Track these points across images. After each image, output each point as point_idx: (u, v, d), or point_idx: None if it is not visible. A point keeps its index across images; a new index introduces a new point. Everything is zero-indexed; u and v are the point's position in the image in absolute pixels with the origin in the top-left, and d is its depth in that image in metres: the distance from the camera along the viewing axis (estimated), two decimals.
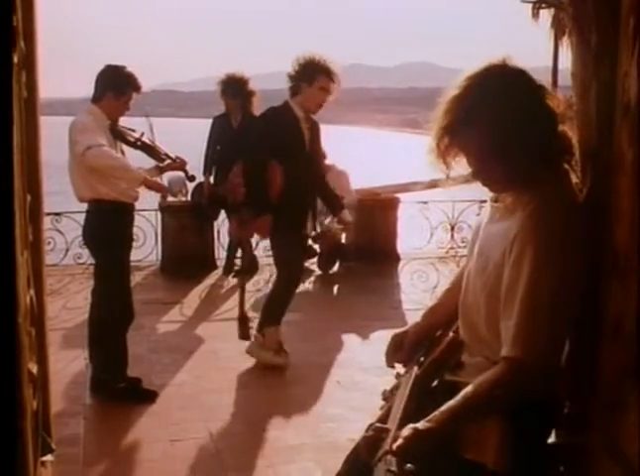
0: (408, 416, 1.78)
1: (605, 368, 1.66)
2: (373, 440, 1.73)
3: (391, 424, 1.75)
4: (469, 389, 1.73)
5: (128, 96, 4.28)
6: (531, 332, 1.67)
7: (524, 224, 1.70)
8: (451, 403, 1.72)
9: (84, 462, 3.65)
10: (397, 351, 2.13)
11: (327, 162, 7.70)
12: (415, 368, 2.00)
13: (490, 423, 1.76)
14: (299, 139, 4.72)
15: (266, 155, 4.60)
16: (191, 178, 4.98)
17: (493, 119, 1.68)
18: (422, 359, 2.03)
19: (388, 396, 2.06)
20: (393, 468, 1.61)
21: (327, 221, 7.20)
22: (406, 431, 1.67)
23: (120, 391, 4.34)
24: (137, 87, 4.33)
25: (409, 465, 1.59)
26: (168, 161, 4.58)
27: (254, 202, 4.68)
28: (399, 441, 1.66)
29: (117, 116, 4.32)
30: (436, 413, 1.70)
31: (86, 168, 4.13)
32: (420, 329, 2.14)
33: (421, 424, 1.68)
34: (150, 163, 4.59)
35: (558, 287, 1.67)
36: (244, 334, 5.05)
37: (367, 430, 1.88)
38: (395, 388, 2.04)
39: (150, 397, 4.38)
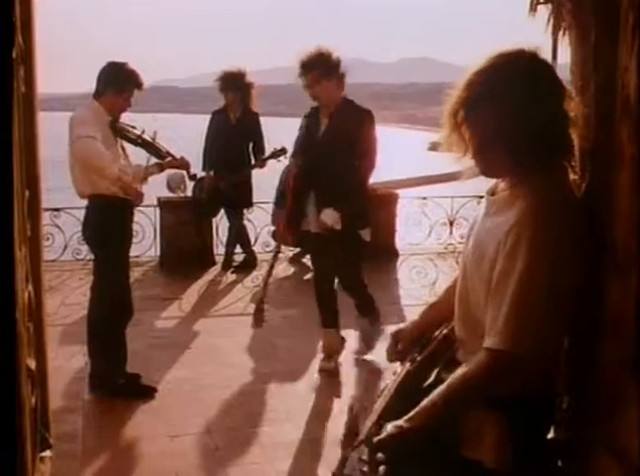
0: (393, 411, 1.78)
1: (604, 364, 1.66)
2: (350, 433, 1.76)
3: (372, 416, 1.77)
4: (447, 382, 1.73)
5: (129, 93, 4.30)
6: (521, 325, 1.65)
7: (521, 215, 1.68)
8: (430, 397, 1.71)
9: (83, 458, 3.65)
10: (395, 348, 2.13)
11: None
12: (408, 364, 2.00)
13: (488, 421, 1.76)
14: (310, 133, 4.72)
15: (294, 155, 4.82)
16: (192, 177, 4.96)
17: (511, 103, 1.67)
18: (416, 356, 2.02)
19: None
20: (365, 457, 1.64)
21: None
22: (391, 429, 1.67)
23: (119, 387, 4.35)
24: (138, 84, 4.33)
25: (380, 454, 1.62)
26: (169, 158, 4.57)
27: (276, 200, 5.18)
28: (382, 436, 1.67)
29: (118, 112, 4.33)
30: (417, 409, 1.70)
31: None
32: (418, 327, 2.13)
33: (403, 422, 1.68)
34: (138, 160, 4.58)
35: (552, 280, 1.65)
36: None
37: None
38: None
39: (148, 393, 4.39)
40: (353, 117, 4.68)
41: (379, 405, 1.84)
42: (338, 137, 4.61)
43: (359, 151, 4.63)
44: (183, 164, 4.68)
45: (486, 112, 1.71)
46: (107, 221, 4.24)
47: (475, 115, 1.73)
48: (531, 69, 1.71)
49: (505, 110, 1.68)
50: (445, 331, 2.02)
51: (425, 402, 1.71)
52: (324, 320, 4.87)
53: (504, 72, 1.70)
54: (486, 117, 1.71)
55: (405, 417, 1.70)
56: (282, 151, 7.36)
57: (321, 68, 4.55)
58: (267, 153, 7.29)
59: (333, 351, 4.86)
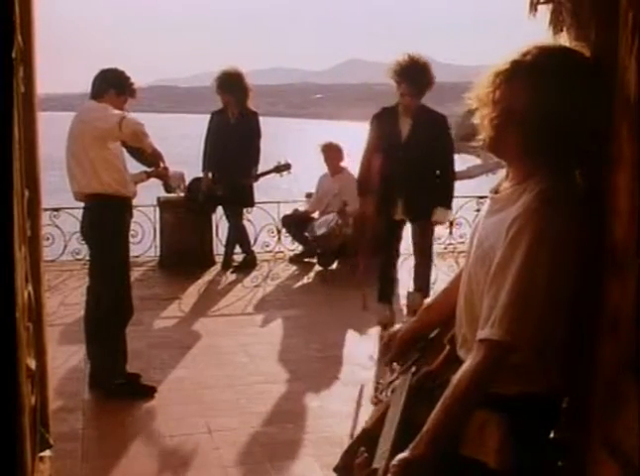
0: (404, 435, 1.73)
1: (604, 362, 1.66)
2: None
3: (385, 443, 1.72)
4: (446, 394, 1.68)
5: (125, 97, 4.39)
6: (521, 316, 1.64)
7: (525, 208, 1.67)
8: (432, 417, 1.67)
9: (83, 458, 3.65)
10: (388, 350, 2.12)
11: (342, 164, 7.71)
12: (409, 377, 1.97)
13: (491, 421, 1.75)
14: (393, 134, 5.39)
15: (372, 149, 5.47)
16: (168, 189, 4.92)
17: (547, 95, 1.63)
18: (415, 367, 1.99)
19: (382, 398, 2.04)
20: None
21: (332, 223, 7.20)
22: (394, 467, 1.62)
23: (119, 387, 4.35)
24: (132, 92, 4.44)
25: None
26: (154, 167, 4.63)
27: (359, 186, 5.67)
28: None
29: None
30: (420, 435, 1.65)
31: (99, 151, 4.16)
32: (413, 328, 2.11)
33: (407, 453, 1.64)
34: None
35: (552, 273, 1.64)
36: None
37: (358, 438, 1.87)
38: (390, 389, 2.03)
39: (148, 392, 4.39)
40: (427, 117, 5.38)
41: (389, 428, 1.78)
42: (426, 135, 5.32)
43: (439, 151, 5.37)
44: (165, 173, 4.73)
45: (519, 90, 1.67)
46: (109, 220, 4.25)
47: (507, 88, 1.70)
48: (582, 73, 1.68)
49: (541, 98, 1.64)
50: (447, 347, 1.99)
51: (427, 424, 1.67)
52: (381, 295, 5.66)
53: (553, 64, 1.67)
54: (517, 95, 1.68)
55: (411, 446, 1.65)
56: (287, 166, 7.37)
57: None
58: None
59: (388, 322, 5.33)
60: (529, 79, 1.66)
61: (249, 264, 7.53)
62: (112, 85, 4.30)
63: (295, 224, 7.77)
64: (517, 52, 1.72)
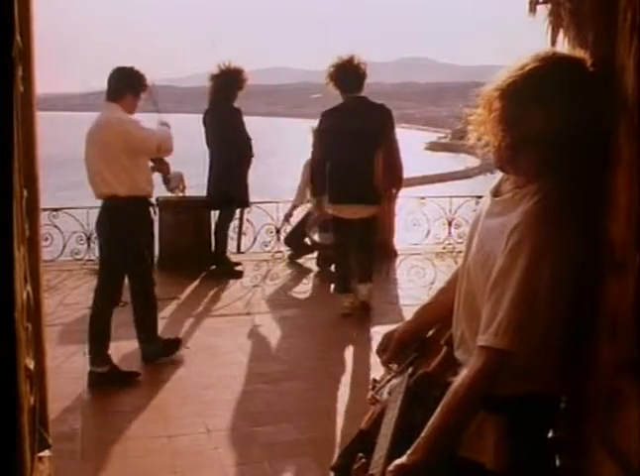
0: (403, 437, 1.73)
1: (603, 363, 1.66)
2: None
3: (382, 448, 1.72)
4: (445, 400, 1.68)
5: (140, 96, 4.61)
6: (521, 324, 1.64)
7: (526, 215, 1.66)
8: (431, 423, 1.66)
9: (82, 458, 3.66)
10: (384, 351, 2.12)
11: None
12: (406, 378, 1.96)
13: (488, 422, 1.75)
14: None
15: None
16: (166, 180, 5.17)
17: (562, 110, 1.61)
18: (412, 368, 1.99)
19: (379, 397, 2.04)
20: None
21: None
22: (390, 473, 1.62)
23: (100, 376, 4.39)
24: (146, 87, 4.64)
25: None
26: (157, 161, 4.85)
27: None
28: None
29: (132, 113, 4.58)
30: (418, 440, 1.65)
31: (134, 158, 4.44)
32: (410, 328, 2.11)
33: (404, 459, 1.63)
34: None
35: (553, 281, 1.64)
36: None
37: (355, 438, 1.87)
38: (386, 388, 2.02)
39: (131, 378, 4.46)
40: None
41: (386, 432, 1.78)
42: None
43: None
44: (165, 167, 4.99)
45: (533, 112, 1.64)
46: (143, 217, 4.61)
47: (514, 106, 1.66)
48: (587, 81, 1.65)
49: (554, 116, 1.61)
50: (445, 348, 1.98)
51: (425, 430, 1.66)
52: (341, 285, 6.01)
53: (559, 78, 1.64)
54: (532, 116, 1.64)
55: (408, 451, 1.65)
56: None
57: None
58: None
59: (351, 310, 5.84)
60: (539, 98, 1.63)
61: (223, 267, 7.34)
62: (128, 88, 4.49)
63: (297, 241, 7.75)
64: (515, 66, 1.67)
